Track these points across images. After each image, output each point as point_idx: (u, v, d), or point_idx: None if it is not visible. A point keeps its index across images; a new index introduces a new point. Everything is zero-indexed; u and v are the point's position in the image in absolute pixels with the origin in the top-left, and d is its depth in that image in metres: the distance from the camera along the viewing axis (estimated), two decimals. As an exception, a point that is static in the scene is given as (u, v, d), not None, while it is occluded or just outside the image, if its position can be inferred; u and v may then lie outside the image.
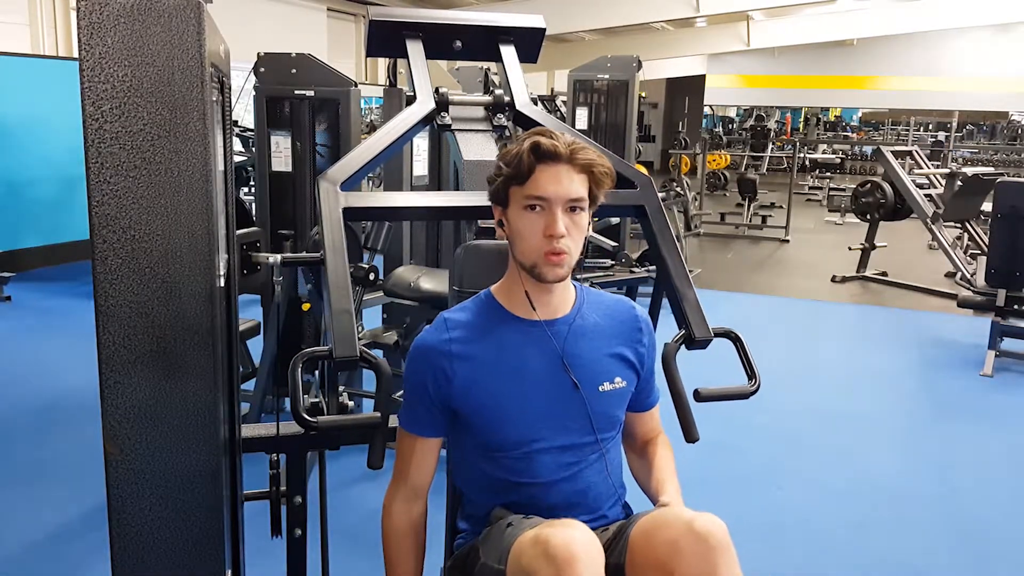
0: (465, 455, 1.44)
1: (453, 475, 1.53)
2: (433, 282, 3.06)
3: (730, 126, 22.21)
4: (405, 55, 1.83)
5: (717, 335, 1.51)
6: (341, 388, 3.09)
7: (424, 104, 1.75)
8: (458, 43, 1.88)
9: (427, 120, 1.78)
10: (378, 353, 1.18)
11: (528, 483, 1.38)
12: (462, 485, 1.49)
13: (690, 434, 1.45)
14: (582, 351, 1.39)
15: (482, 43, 1.88)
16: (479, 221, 1.72)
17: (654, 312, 1.86)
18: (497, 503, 1.40)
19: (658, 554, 1.20)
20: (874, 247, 7.49)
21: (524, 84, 1.87)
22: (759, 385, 1.47)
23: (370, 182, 6.34)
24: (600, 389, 1.38)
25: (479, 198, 1.55)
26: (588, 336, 1.40)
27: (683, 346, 1.49)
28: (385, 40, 1.85)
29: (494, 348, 1.36)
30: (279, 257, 1.57)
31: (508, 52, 1.87)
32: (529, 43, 1.90)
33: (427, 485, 1.44)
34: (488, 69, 4.59)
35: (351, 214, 1.50)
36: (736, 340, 1.51)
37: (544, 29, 1.91)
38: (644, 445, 1.56)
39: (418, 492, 1.43)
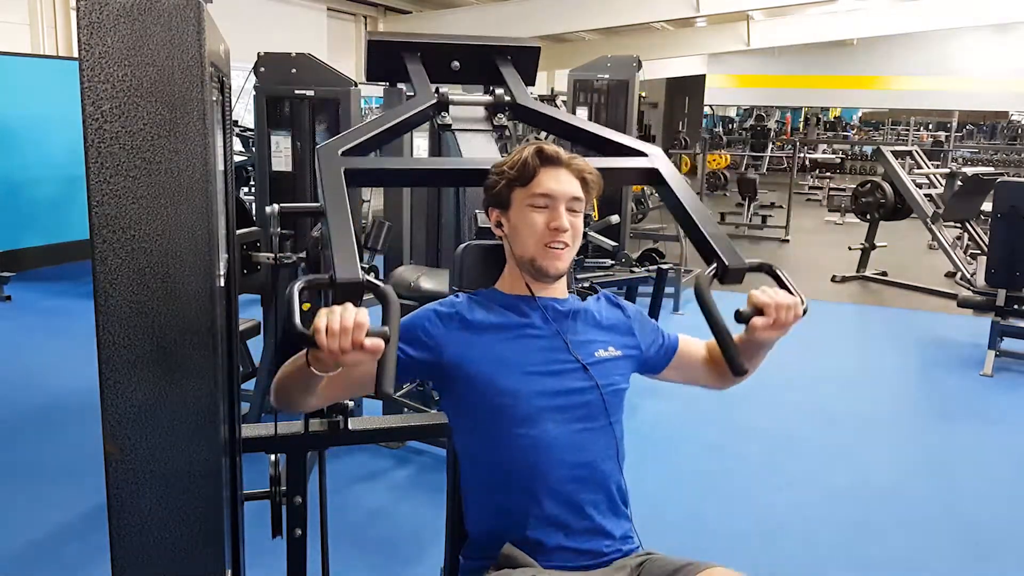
0: (464, 421, 1.46)
1: (453, 439, 1.50)
2: (433, 282, 3.06)
3: (730, 126, 22.22)
4: (404, 78, 1.86)
5: (752, 269, 1.42)
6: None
7: (425, 97, 1.76)
8: (456, 63, 1.90)
9: (427, 115, 1.78)
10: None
11: (530, 448, 1.38)
12: (462, 456, 1.49)
13: (736, 366, 1.30)
14: (576, 328, 1.48)
15: (480, 63, 1.92)
16: (479, 221, 1.72)
17: (654, 312, 1.86)
18: (497, 472, 1.41)
19: None
20: (874, 247, 7.48)
21: (523, 84, 1.88)
22: (807, 307, 1.37)
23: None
24: (596, 355, 1.47)
25: (479, 163, 1.58)
26: (580, 318, 1.50)
27: (716, 280, 1.40)
28: (384, 60, 1.89)
29: (496, 316, 1.46)
30: (276, 207, 1.52)
31: (506, 66, 1.91)
32: (526, 62, 1.94)
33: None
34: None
35: (352, 178, 1.44)
36: (771, 271, 1.42)
37: (539, 48, 1.97)
38: (709, 356, 1.61)
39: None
